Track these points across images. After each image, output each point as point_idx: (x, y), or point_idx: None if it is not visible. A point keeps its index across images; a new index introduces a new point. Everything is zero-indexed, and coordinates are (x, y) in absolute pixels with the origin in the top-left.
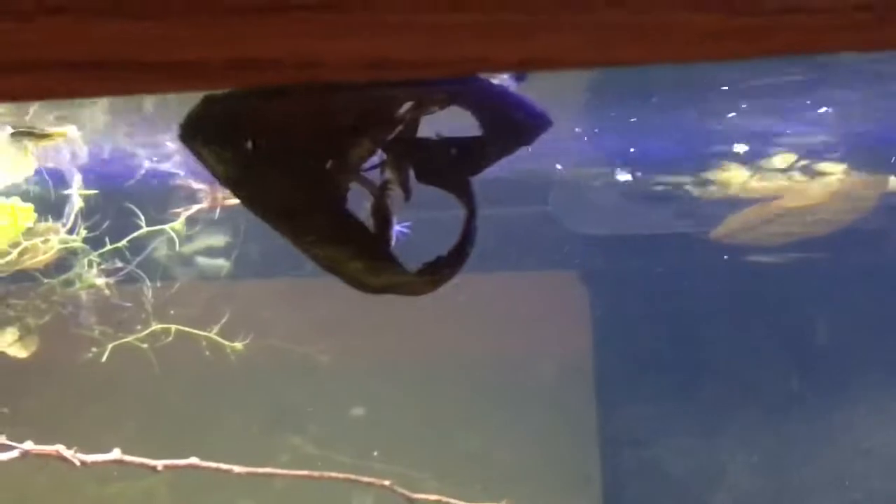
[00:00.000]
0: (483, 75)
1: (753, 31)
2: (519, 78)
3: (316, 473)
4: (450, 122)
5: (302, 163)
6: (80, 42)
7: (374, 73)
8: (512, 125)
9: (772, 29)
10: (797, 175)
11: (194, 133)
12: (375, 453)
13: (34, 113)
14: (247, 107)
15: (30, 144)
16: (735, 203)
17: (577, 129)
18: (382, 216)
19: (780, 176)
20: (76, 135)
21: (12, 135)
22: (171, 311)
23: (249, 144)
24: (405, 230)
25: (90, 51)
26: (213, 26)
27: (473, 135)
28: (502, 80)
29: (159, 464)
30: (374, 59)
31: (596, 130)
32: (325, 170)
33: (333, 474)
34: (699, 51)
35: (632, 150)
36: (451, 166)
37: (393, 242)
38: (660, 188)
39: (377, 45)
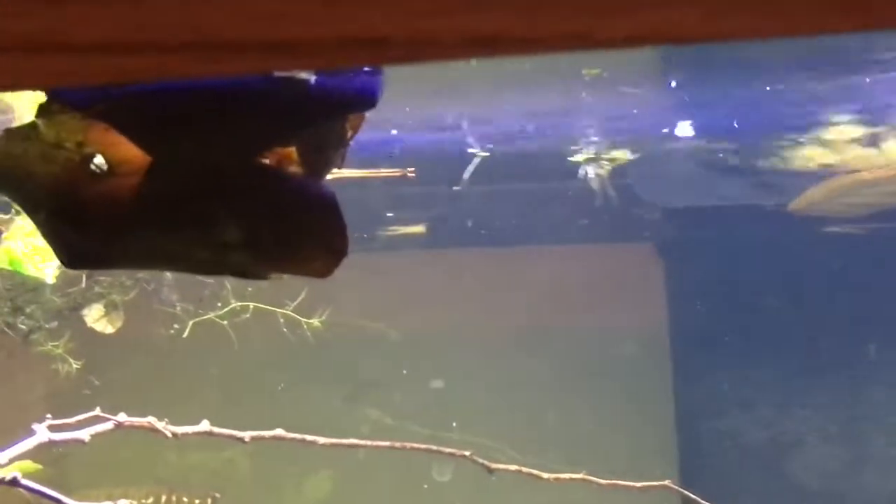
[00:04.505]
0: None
1: (878, 3)
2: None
3: (398, 444)
4: None
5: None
6: (200, 22)
7: (485, 50)
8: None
9: None
10: (876, 147)
11: None
12: (454, 424)
13: None
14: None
15: None
16: (815, 175)
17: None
18: None
19: (859, 148)
20: None
21: None
22: (249, 288)
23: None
24: None
25: (210, 31)
26: (322, 2)
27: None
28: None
29: (246, 435)
30: (487, 35)
31: (686, 99)
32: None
33: (414, 445)
34: (818, 23)
35: (711, 122)
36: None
37: None
38: (739, 160)
39: (489, 20)
